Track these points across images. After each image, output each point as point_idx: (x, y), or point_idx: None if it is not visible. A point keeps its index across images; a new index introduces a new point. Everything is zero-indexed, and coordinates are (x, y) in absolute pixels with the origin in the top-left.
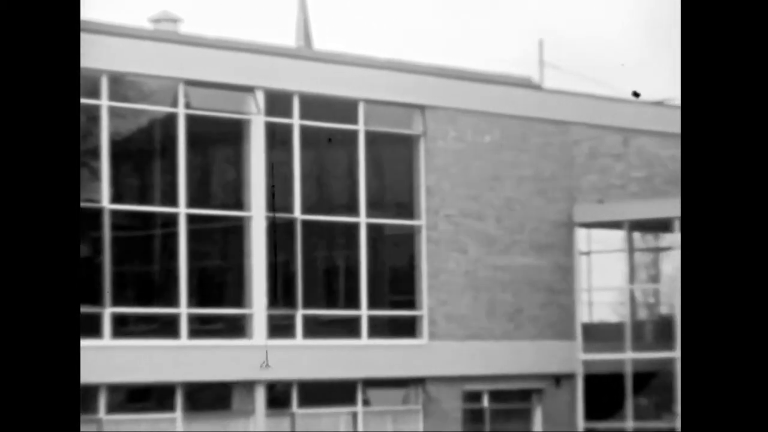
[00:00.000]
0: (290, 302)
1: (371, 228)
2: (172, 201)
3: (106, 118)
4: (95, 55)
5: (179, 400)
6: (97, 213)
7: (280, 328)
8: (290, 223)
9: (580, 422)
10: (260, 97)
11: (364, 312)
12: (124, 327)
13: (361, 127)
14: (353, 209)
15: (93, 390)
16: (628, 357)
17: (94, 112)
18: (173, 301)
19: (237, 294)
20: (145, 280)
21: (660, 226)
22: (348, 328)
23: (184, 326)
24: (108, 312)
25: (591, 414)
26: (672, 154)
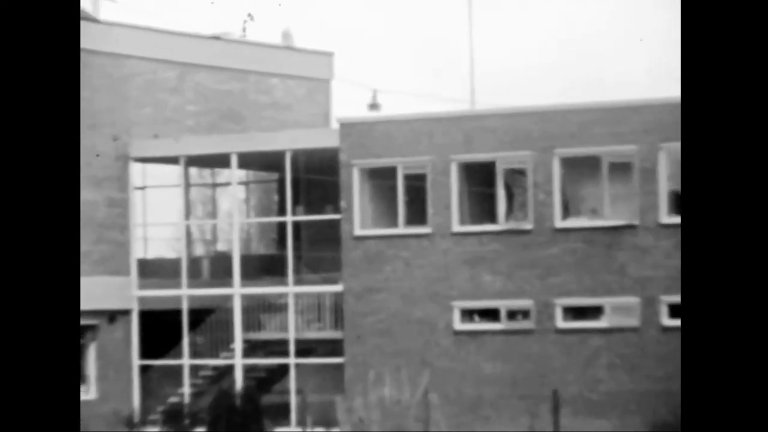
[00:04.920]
0: None
1: None
2: None
3: None
4: None
5: None
6: None
7: None
8: None
9: (135, 359)
10: None
11: None
12: None
13: None
14: None
15: None
16: (184, 293)
17: None
18: None
19: None
20: None
21: (217, 161)
22: None
23: None
24: None
25: (147, 351)
26: (228, 89)
